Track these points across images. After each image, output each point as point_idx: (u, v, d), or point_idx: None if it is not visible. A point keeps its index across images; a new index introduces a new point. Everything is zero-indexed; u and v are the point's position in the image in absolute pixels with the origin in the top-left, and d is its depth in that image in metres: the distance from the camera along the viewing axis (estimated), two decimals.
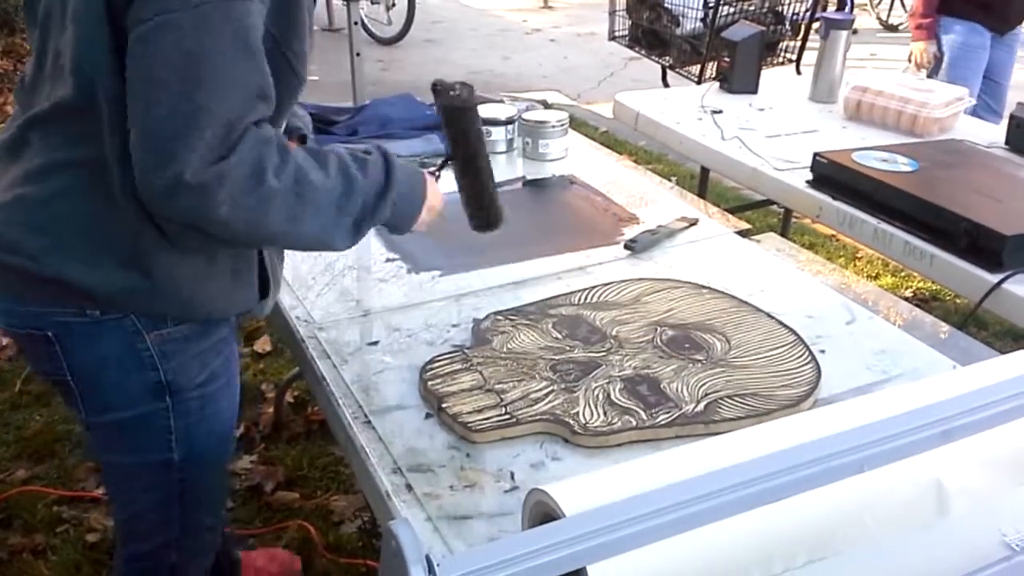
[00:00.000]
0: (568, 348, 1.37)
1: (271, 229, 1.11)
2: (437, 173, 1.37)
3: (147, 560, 1.48)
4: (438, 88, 1.31)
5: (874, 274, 3.71)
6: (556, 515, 0.82)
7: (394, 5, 7.45)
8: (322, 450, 2.56)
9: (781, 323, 1.47)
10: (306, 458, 2.54)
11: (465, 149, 1.34)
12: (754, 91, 2.87)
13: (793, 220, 3.45)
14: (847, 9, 4.67)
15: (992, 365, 1.06)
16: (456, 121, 1.33)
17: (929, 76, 3.57)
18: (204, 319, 1.28)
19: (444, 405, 1.23)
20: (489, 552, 0.68)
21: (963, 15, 3.61)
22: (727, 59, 2.92)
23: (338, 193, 1.16)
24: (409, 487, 1.11)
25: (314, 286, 1.60)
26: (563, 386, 1.28)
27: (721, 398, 1.26)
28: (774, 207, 3.44)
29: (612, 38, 4.70)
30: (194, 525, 1.46)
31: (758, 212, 3.73)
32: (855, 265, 3.77)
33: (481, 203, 1.38)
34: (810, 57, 3.15)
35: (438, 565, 0.67)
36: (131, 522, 1.47)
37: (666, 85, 4.41)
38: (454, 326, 1.47)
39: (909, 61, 3.76)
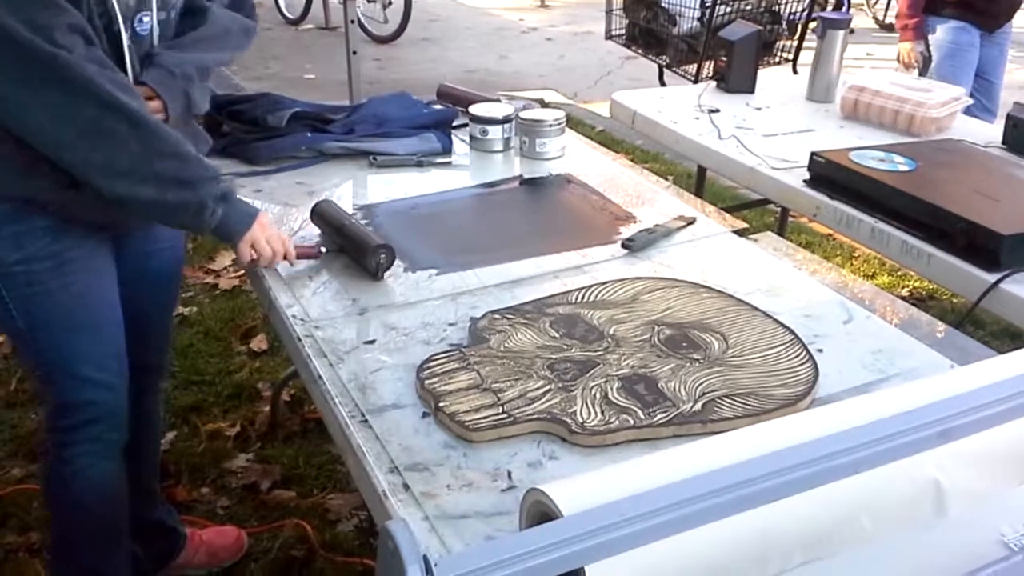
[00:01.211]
0: (565, 347, 1.37)
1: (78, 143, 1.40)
2: (319, 250, 1.68)
3: (49, 419, 1.75)
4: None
5: (871, 273, 3.71)
6: (554, 515, 0.82)
7: (390, 3, 7.44)
8: (318, 449, 2.56)
9: (778, 322, 1.46)
10: (302, 457, 2.54)
11: (330, 228, 1.71)
12: (751, 90, 2.87)
13: (790, 219, 3.46)
14: (844, 9, 4.67)
15: (990, 365, 1.06)
16: (314, 216, 1.76)
17: (919, 76, 3.58)
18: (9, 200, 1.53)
19: (441, 404, 1.23)
20: (487, 551, 0.68)
21: (949, 14, 3.61)
22: (724, 58, 2.93)
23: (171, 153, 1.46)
24: (406, 486, 1.11)
25: (310, 284, 1.59)
26: (560, 385, 1.27)
27: (719, 397, 1.26)
28: (771, 206, 3.45)
29: (609, 37, 4.71)
30: (68, 396, 1.70)
31: (755, 211, 3.74)
32: (852, 264, 3.77)
33: (360, 256, 1.63)
34: (807, 57, 3.16)
35: (435, 565, 0.66)
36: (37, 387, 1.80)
37: (663, 84, 4.42)
38: (451, 325, 1.47)
39: (897, 61, 3.77)
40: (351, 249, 1.65)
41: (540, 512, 0.86)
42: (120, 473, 1.81)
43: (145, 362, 1.89)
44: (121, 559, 1.88)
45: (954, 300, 3.40)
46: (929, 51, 3.65)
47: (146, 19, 1.55)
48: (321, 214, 1.75)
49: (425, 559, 0.67)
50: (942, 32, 3.63)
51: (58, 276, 1.61)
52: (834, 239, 3.92)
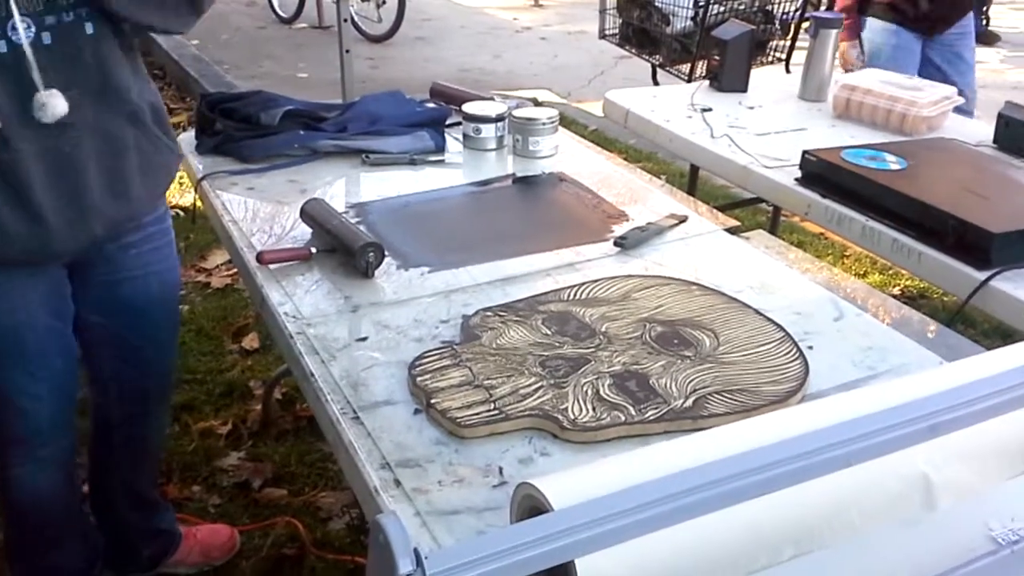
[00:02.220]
0: (557, 344, 1.38)
1: None
2: (309, 250, 1.67)
3: None
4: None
5: (862, 272, 3.72)
6: (544, 509, 0.82)
7: (384, 2, 7.43)
8: (310, 446, 2.56)
9: (769, 319, 1.47)
10: (294, 455, 2.53)
11: (320, 227, 1.72)
12: (744, 89, 2.88)
13: (782, 218, 3.46)
14: (836, 9, 4.68)
15: (979, 360, 1.06)
16: (304, 215, 1.77)
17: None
18: None
19: (433, 401, 1.23)
20: (477, 545, 0.68)
21: (881, 16, 3.54)
22: (717, 58, 2.93)
23: None
24: (397, 482, 1.11)
25: (302, 282, 1.59)
26: (552, 382, 1.28)
27: (709, 394, 1.26)
28: (763, 205, 3.45)
29: (602, 36, 4.71)
30: (1, 418, 1.70)
31: (747, 210, 3.74)
32: (843, 263, 3.78)
33: (349, 255, 1.62)
34: (799, 56, 3.16)
35: (426, 558, 0.67)
36: None
37: (656, 83, 4.42)
38: (443, 322, 1.47)
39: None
40: (340, 248, 1.65)
41: (531, 506, 0.87)
42: (62, 483, 1.82)
43: (142, 390, 1.89)
44: (73, 551, 1.93)
45: (945, 298, 3.41)
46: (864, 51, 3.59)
47: (21, 26, 1.34)
48: (310, 213, 1.75)
49: (416, 552, 0.67)
50: (872, 33, 3.55)
51: None
52: (826, 238, 3.92)
